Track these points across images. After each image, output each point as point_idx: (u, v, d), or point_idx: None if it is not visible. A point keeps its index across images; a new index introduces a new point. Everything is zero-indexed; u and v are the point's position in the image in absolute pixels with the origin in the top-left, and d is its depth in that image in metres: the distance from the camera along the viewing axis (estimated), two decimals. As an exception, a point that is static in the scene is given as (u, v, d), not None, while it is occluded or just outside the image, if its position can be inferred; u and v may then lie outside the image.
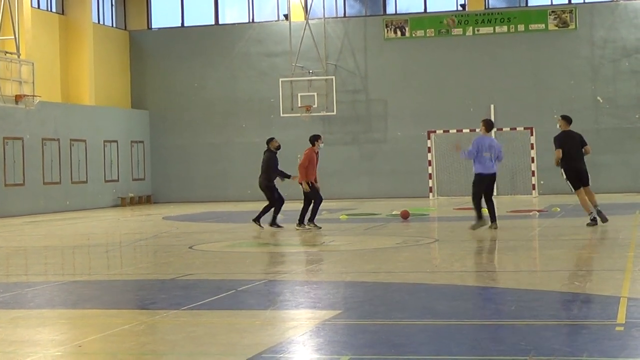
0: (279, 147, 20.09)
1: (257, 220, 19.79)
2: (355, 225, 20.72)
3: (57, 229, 22.78)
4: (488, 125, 17.99)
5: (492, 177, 17.75)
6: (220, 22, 37.48)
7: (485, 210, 17.56)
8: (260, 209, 19.87)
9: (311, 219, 19.24)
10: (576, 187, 17.86)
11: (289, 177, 19.91)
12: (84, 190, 33.01)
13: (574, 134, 18.00)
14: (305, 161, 19.07)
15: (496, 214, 17.82)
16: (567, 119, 18.19)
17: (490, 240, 16.21)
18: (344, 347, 7.19)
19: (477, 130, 32.45)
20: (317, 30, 35.46)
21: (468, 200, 19.55)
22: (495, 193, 19.72)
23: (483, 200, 17.66)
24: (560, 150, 17.70)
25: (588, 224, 17.73)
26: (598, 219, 17.70)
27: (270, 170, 19.72)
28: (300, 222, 19.20)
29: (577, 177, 17.79)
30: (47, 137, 31.18)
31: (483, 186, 17.70)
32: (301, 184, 19.03)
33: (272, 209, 19.73)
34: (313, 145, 19.36)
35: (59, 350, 7.38)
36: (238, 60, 36.70)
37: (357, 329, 8.00)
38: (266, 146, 20.07)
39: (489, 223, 17.54)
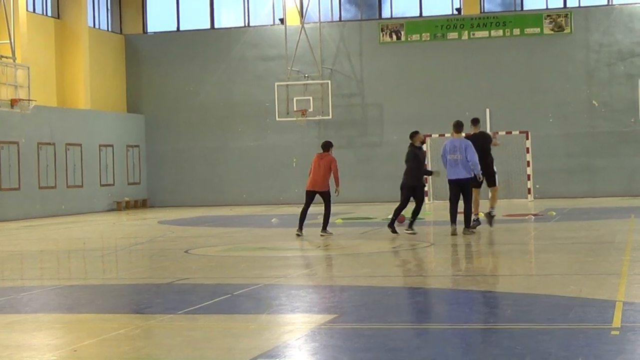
0: (423, 142, 18.88)
1: (394, 224, 18.32)
2: (351, 229, 20.76)
3: (52, 233, 22.74)
4: (455, 127, 17.45)
5: (458, 182, 17.04)
6: (215, 26, 37.47)
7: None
8: (393, 213, 18.59)
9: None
10: (475, 186, 18.11)
11: (431, 173, 18.88)
12: (79, 194, 32.98)
13: (485, 135, 18.99)
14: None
15: (472, 220, 17.36)
16: (475, 122, 19.06)
17: (485, 245, 16.22)
18: (339, 352, 7.19)
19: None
20: (312, 34, 35.45)
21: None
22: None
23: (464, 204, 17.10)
24: None
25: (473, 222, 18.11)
26: (482, 222, 18.28)
27: (421, 166, 18.03)
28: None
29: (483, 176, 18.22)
30: (42, 141, 31.15)
31: (452, 192, 17.20)
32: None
33: (403, 210, 18.30)
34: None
35: (55, 354, 7.37)
36: (234, 64, 36.69)
37: (352, 333, 8.00)
38: (409, 141, 18.25)
39: (464, 227, 17.19)
